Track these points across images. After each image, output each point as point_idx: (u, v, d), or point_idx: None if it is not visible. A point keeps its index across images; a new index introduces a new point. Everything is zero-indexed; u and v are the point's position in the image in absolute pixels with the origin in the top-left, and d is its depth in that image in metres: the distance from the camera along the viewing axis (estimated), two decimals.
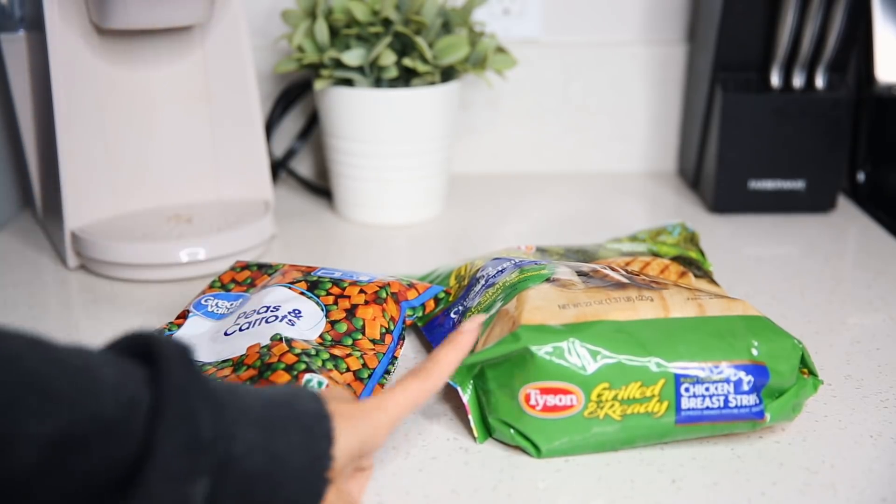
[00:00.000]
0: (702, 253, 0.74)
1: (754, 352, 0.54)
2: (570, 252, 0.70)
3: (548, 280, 0.59)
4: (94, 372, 0.37)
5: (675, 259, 0.69)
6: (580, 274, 0.61)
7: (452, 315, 0.64)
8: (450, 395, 0.60)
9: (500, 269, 0.64)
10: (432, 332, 0.65)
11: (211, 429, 0.38)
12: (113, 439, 0.36)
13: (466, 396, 0.55)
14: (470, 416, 0.55)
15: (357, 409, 0.46)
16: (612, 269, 0.62)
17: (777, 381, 0.54)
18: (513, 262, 0.64)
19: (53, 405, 0.35)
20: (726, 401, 0.53)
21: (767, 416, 0.53)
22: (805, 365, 0.56)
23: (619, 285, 0.58)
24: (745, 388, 0.53)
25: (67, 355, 0.37)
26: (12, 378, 0.34)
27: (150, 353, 0.39)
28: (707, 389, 0.53)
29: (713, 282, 0.66)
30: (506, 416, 0.54)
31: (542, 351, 0.52)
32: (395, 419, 0.47)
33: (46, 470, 0.35)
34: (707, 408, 0.53)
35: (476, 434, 0.55)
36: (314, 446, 0.43)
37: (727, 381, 0.53)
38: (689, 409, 0.53)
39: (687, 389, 0.53)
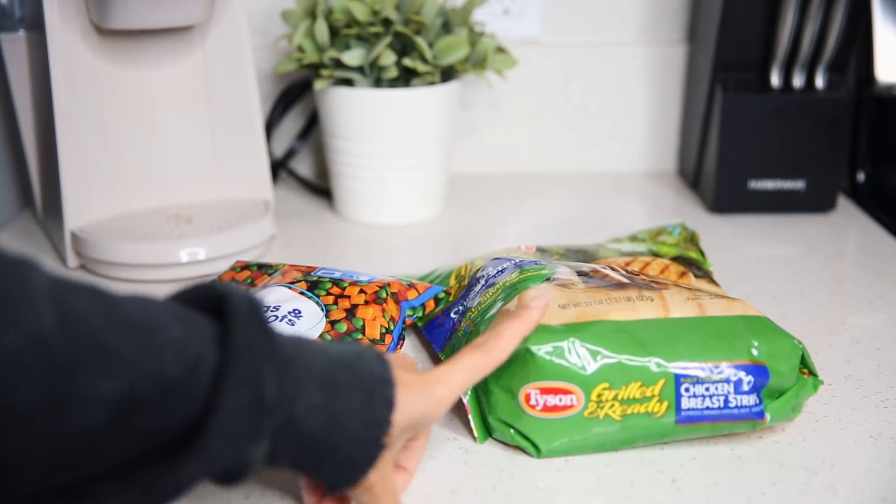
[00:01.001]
0: (702, 253, 0.74)
1: (754, 352, 0.54)
2: (570, 252, 0.70)
3: (548, 280, 0.59)
4: (161, 331, 0.37)
5: (676, 259, 0.69)
6: (580, 274, 0.61)
7: (452, 315, 0.64)
8: None
9: (500, 269, 0.64)
10: (432, 332, 0.65)
11: (275, 391, 0.39)
12: (177, 399, 0.37)
13: (466, 397, 0.55)
14: (470, 416, 0.55)
15: (419, 380, 0.47)
16: (613, 269, 0.62)
17: (777, 381, 0.54)
18: (513, 262, 0.64)
19: (119, 366, 0.35)
20: (726, 401, 0.53)
21: (767, 416, 0.53)
22: (805, 365, 0.56)
23: (620, 285, 0.58)
24: (746, 388, 0.53)
25: (134, 313, 0.37)
26: (80, 339, 0.34)
27: (220, 307, 0.39)
28: (707, 389, 0.53)
29: (713, 282, 0.66)
30: (506, 415, 0.54)
31: (542, 351, 0.52)
32: (454, 394, 0.48)
33: (113, 430, 0.35)
34: (707, 408, 0.53)
35: (476, 434, 0.55)
36: (373, 410, 0.43)
37: (727, 381, 0.53)
38: (689, 409, 0.53)
39: (687, 389, 0.53)
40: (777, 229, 0.92)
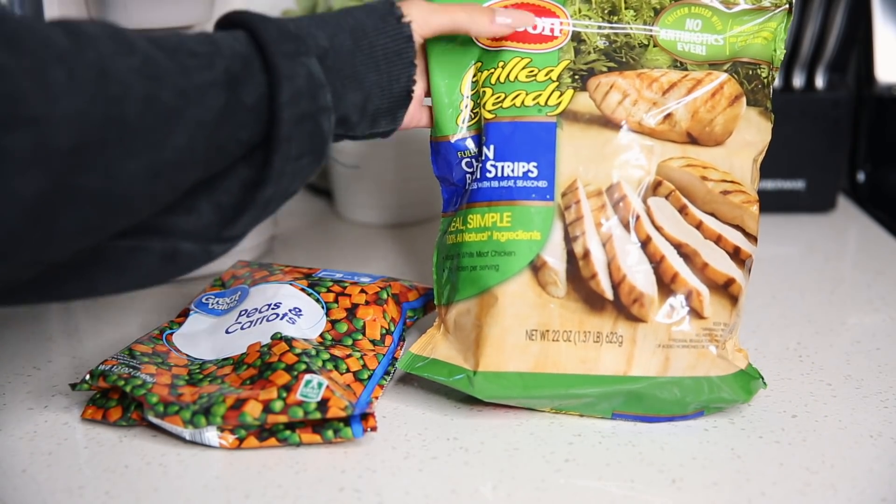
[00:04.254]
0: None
1: (692, 407, 0.57)
2: (610, 51, 0.60)
3: (531, 265, 0.57)
4: (211, 34, 0.47)
5: (734, 70, 0.61)
6: (569, 252, 0.57)
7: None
8: (450, 393, 0.60)
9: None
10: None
11: (294, 26, 0.49)
12: (253, 67, 0.46)
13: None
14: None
15: None
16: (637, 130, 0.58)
17: (718, 404, 0.58)
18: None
19: (206, 57, 0.44)
20: (662, 418, 0.57)
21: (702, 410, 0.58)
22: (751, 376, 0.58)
23: (599, 304, 0.56)
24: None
25: (187, 33, 0.46)
26: (169, 50, 0.43)
27: (224, 23, 0.49)
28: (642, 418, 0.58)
29: (766, 105, 0.61)
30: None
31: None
32: (427, 24, 0.56)
33: (233, 104, 0.45)
34: (645, 416, 0.57)
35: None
36: (378, 9, 0.54)
37: (663, 419, 0.57)
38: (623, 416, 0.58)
39: (623, 416, 0.58)
40: (777, 229, 0.92)
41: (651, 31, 0.60)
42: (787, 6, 0.62)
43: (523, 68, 0.60)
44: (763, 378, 0.58)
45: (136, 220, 0.43)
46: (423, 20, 0.55)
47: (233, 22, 0.49)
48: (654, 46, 0.60)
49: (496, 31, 0.58)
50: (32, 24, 0.39)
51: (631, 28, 0.60)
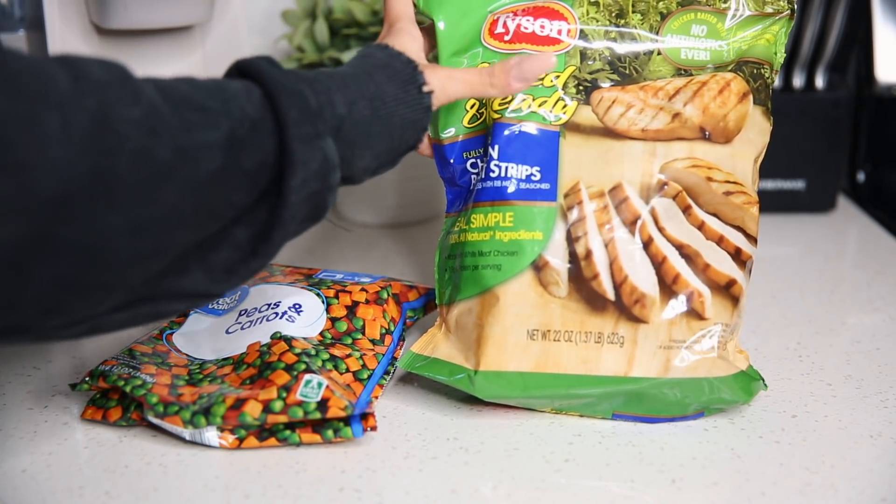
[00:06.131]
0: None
1: (693, 408, 0.57)
2: (614, 59, 0.61)
3: (534, 265, 0.57)
4: (224, 87, 0.45)
5: (739, 69, 0.61)
6: (572, 247, 0.58)
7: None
8: (450, 393, 0.60)
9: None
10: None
11: (314, 99, 0.47)
12: (261, 132, 0.45)
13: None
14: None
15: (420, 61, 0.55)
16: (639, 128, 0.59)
17: (718, 405, 0.57)
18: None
19: (215, 117, 0.43)
20: (662, 418, 0.57)
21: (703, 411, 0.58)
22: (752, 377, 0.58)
23: (601, 304, 0.57)
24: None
25: (200, 81, 0.45)
26: (179, 103, 0.42)
27: (240, 70, 0.48)
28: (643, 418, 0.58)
29: (768, 105, 0.61)
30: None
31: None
32: (444, 92, 0.54)
33: (228, 170, 0.43)
34: (645, 417, 0.57)
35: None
36: (400, 74, 0.52)
37: (664, 419, 0.57)
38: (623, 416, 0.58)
39: (623, 416, 0.58)
40: (777, 229, 0.92)
41: (656, 40, 0.61)
42: (789, 11, 0.62)
43: None
44: (763, 380, 0.58)
45: (119, 280, 0.41)
46: (441, 89, 0.54)
47: (250, 75, 0.47)
48: (658, 55, 0.61)
49: (515, 91, 0.56)
50: (36, 65, 0.38)
51: (637, 31, 0.61)
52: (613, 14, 0.61)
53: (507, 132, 0.59)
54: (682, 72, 0.60)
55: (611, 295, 0.57)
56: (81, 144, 0.37)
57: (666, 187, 0.58)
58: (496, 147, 0.59)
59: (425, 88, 0.52)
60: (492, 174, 0.59)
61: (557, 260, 0.57)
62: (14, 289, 0.38)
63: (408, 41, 0.56)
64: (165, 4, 0.78)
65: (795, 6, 0.63)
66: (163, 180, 0.40)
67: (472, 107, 0.62)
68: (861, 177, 1.03)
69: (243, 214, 0.46)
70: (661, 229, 0.58)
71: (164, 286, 0.44)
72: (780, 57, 0.62)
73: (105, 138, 0.38)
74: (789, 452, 0.54)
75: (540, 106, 0.59)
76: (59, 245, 0.38)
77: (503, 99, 0.60)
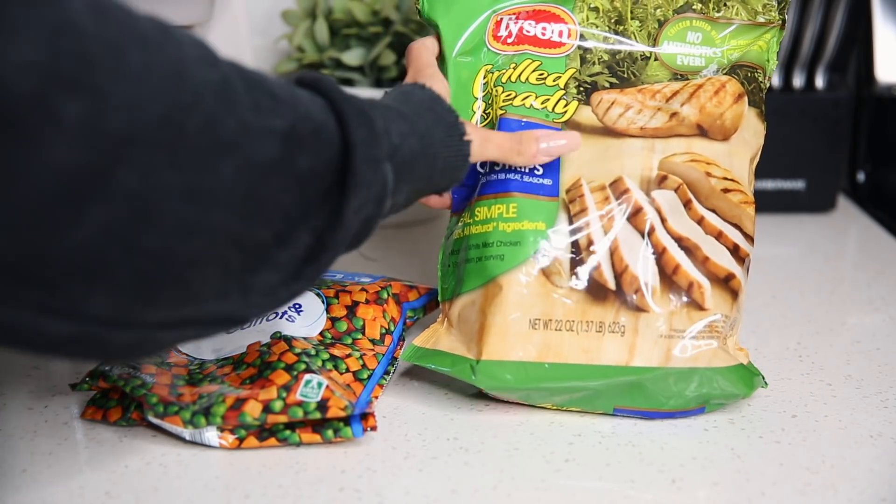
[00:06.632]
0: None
1: (694, 400, 0.57)
2: (613, 63, 0.62)
3: (536, 255, 0.57)
4: (292, 85, 0.45)
5: (735, 72, 0.62)
6: (573, 237, 0.58)
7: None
8: (450, 392, 0.60)
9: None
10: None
11: (381, 123, 0.47)
12: (320, 140, 0.43)
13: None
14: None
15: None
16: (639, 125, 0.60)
17: (720, 399, 0.58)
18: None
19: (283, 106, 0.42)
20: (663, 413, 0.58)
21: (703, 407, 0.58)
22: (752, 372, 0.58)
23: (602, 294, 0.57)
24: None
25: (271, 77, 0.44)
26: (252, 83, 0.41)
27: (301, 83, 0.47)
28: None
29: (762, 106, 0.62)
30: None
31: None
32: (480, 149, 0.55)
33: (284, 164, 0.41)
34: (646, 412, 0.58)
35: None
36: (445, 119, 0.53)
37: (666, 415, 0.57)
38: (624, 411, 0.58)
39: (624, 411, 0.58)
40: (777, 229, 0.92)
41: (653, 46, 0.62)
42: (780, 22, 0.63)
43: (534, 71, 0.61)
44: (764, 377, 0.58)
45: (155, 256, 0.38)
46: (477, 145, 0.54)
47: (316, 89, 0.46)
48: (655, 60, 0.62)
49: (539, 163, 0.58)
50: (125, 6, 0.37)
51: (635, 37, 0.62)
52: (612, 20, 0.62)
53: (511, 125, 0.60)
54: (679, 76, 0.62)
55: (612, 284, 0.57)
56: (158, 89, 0.36)
57: (667, 180, 0.59)
58: None
59: (466, 137, 0.53)
60: (496, 167, 0.60)
61: (560, 250, 0.58)
62: (54, 228, 0.35)
63: (439, 86, 0.56)
64: (165, 4, 0.78)
65: (786, 17, 0.64)
66: (225, 153, 0.39)
67: (478, 108, 0.62)
68: (861, 177, 1.03)
69: (285, 234, 0.43)
70: (662, 220, 0.58)
71: (205, 310, 0.42)
72: (773, 64, 0.64)
73: (181, 92, 0.37)
74: (789, 452, 0.54)
75: (542, 104, 0.60)
76: (112, 187, 0.36)
77: (508, 94, 0.61)
